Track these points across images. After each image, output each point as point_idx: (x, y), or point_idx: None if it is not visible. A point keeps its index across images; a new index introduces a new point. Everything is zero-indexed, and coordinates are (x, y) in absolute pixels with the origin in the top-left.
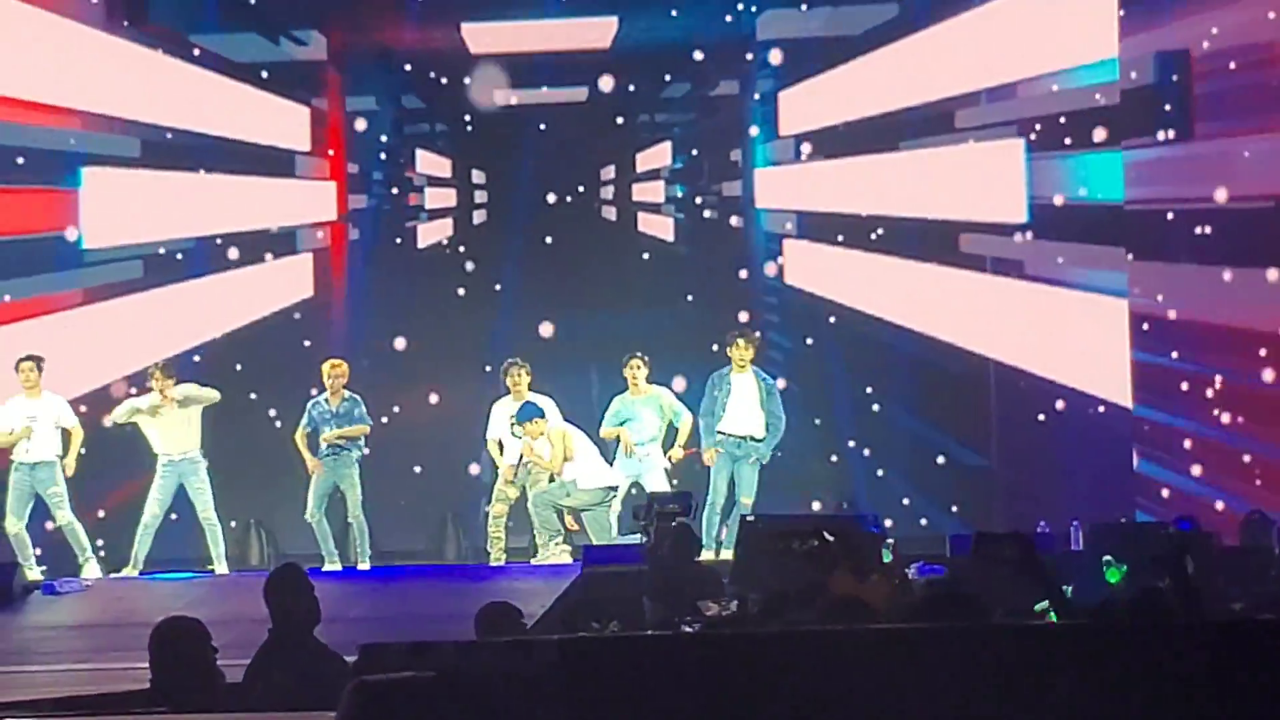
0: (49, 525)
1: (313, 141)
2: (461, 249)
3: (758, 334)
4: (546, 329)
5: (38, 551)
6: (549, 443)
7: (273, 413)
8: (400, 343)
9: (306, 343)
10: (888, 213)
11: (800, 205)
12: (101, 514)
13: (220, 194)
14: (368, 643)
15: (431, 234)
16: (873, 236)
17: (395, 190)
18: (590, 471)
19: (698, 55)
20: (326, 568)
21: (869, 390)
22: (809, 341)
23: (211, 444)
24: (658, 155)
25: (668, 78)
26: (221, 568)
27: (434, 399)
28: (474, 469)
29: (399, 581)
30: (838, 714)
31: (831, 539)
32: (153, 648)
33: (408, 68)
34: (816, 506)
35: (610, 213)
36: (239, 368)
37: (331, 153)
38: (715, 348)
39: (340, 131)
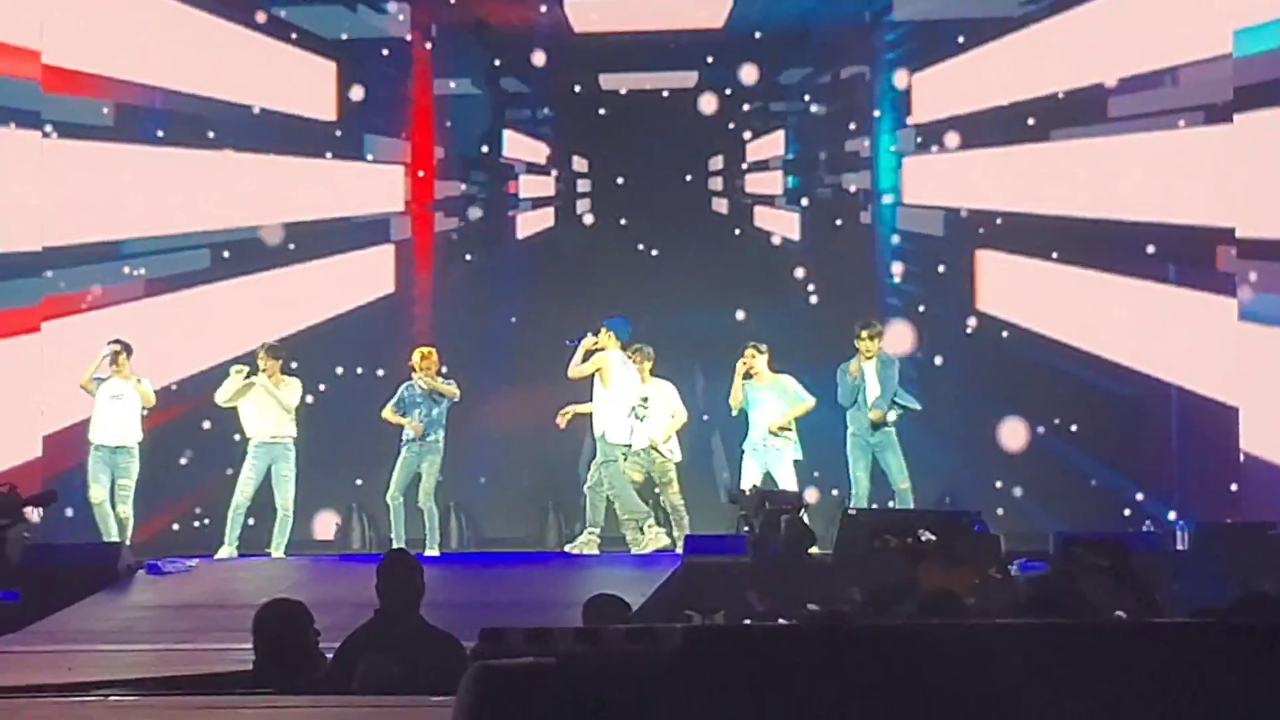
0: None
1: (397, 125)
2: (562, 240)
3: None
4: (650, 323)
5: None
6: (594, 362)
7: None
8: (501, 333)
9: (412, 324)
10: (1051, 211)
11: (941, 201)
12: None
13: (291, 180)
14: (489, 627)
15: (531, 224)
16: (1038, 238)
17: (490, 178)
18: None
19: (819, 36)
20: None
21: (1003, 400)
22: (939, 350)
23: (312, 429)
24: (772, 144)
25: (786, 60)
26: (279, 555)
27: (536, 390)
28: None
29: (499, 567)
30: (966, 709)
31: (924, 535)
32: (256, 630)
33: (503, 46)
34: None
35: (721, 205)
36: (340, 352)
37: (417, 138)
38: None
39: (428, 114)
